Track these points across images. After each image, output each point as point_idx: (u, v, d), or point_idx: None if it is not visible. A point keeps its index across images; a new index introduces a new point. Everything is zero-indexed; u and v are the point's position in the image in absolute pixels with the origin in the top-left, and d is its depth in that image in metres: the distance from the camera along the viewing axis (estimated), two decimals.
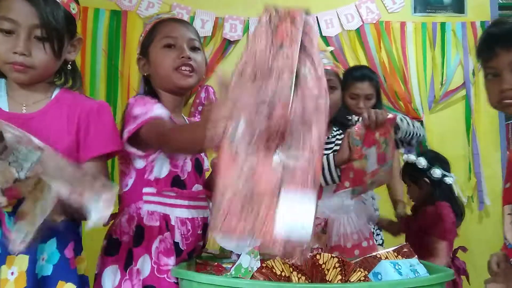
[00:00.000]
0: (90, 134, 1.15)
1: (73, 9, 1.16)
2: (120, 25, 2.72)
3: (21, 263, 1.03)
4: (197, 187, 1.37)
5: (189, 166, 1.38)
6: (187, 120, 1.52)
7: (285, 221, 0.68)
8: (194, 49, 1.39)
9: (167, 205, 1.32)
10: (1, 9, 1.09)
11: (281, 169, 0.70)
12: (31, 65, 1.09)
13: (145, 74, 1.42)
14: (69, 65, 1.21)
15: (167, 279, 1.24)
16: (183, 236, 1.31)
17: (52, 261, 1.08)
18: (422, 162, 2.05)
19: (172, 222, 1.31)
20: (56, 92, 1.19)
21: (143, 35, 1.43)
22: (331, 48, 2.04)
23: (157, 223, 1.29)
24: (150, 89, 1.42)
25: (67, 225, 1.12)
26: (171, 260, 1.26)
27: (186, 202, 1.33)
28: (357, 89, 2.22)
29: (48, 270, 1.07)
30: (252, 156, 0.70)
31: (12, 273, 1.02)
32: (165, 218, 1.31)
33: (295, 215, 0.68)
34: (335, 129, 1.72)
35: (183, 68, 1.36)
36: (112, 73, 2.72)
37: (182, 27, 1.41)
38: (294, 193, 0.68)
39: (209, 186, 1.43)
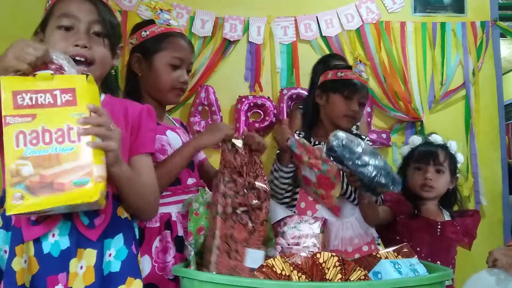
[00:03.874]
0: (141, 132, 1.18)
1: (117, 17, 1.21)
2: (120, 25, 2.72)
3: (89, 257, 1.00)
4: (191, 180, 1.43)
5: None
6: (171, 119, 1.56)
7: (250, 259, 1.20)
8: (188, 72, 1.50)
9: (166, 204, 1.35)
10: (58, 8, 1.12)
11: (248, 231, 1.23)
12: (92, 58, 1.11)
13: (139, 73, 1.48)
14: (113, 71, 1.24)
15: (165, 276, 1.29)
16: (185, 229, 1.34)
17: (121, 257, 1.05)
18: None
19: (174, 218, 1.35)
20: (103, 97, 1.18)
21: (148, 33, 1.45)
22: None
23: (157, 224, 1.32)
24: (133, 87, 1.48)
25: (129, 223, 1.13)
26: (169, 257, 1.31)
27: (183, 196, 1.39)
28: None
29: (116, 267, 1.04)
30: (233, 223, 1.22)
31: (81, 267, 0.99)
32: (166, 217, 1.34)
33: (254, 257, 1.21)
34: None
35: (180, 91, 1.48)
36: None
37: (190, 48, 1.50)
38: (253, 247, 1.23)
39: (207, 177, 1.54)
